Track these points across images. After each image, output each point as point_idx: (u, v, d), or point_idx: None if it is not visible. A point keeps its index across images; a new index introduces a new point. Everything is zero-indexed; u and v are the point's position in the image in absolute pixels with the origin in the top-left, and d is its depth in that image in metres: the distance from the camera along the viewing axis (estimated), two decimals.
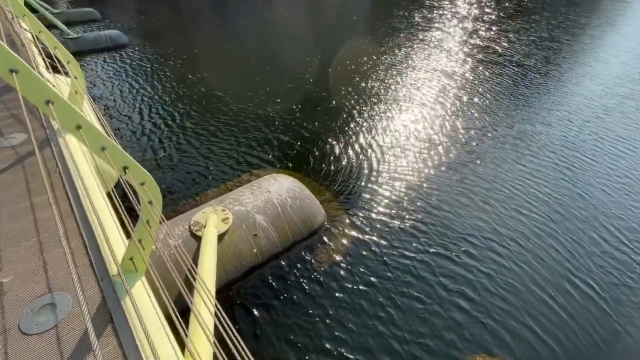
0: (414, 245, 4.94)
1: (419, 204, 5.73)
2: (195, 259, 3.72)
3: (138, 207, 2.14)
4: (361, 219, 5.34)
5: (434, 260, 4.74)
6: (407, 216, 5.45)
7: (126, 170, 2.13)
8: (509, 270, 4.70)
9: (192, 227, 4.16)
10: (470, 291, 4.36)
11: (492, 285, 4.47)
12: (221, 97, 9.02)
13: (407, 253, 4.79)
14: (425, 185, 6.20)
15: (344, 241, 4.91)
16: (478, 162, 6.97)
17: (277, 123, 7.94)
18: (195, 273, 1.91)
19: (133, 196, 2.11)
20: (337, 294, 4.19)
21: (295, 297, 4.13)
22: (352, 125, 8.08)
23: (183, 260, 1.96)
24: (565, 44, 15.41)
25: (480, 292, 4.37)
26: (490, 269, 4.69)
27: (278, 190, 4.93)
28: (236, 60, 12.08)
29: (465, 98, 9.72)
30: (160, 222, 2.26)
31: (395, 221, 5.33)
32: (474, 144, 7.60)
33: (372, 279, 4.41)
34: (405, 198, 5.84)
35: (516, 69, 12.02)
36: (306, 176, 6.24)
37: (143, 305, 2.21)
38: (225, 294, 4.06)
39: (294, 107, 8.71)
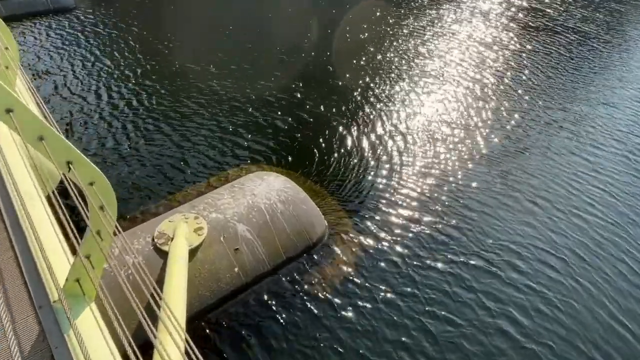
0: (442, 259, 4.92)
1: (450, 205, 5.74)
2: (161, 280, 3.71)
3: (86, 213, 2.13)
4: (372, 228, 5.33)
5: (470, 275, 4.74)
6: (434, 222, 5.44)
7: (70, 166, 2.12)
8: (566, 287, 4.70)
9: (156, 240, 4.15)
10: (517, 313, 4.37)
11: (546, 305, 4.47)
12: (198, 72, 9.03)
13: (433, 271, 4.78)
14: (458, 182, 6.21)
15: (350, 257, 4.90)
16: (526, 153, 6.98)
17: (268, 106, 7.94)
18: (160, 299, 1.90)
19: (80, 200, 2.10)
20: (340, 326, 4.17)
21: (287, 329, 4.11)
22: (363, 109, 8.07)
23: (144, 282, 1.96)
24: (631, 4, 15.39)
25: (530, 314, 4.37)
26: (543, 285, 4.69)
27: (266, 192, 4.92)
28: (218, 25, 12.08)
29: (509, 74, 9.72)
30: (115, 234, 2.25)
31: (418, 230, 5.32)
32: (521, 130, 7.60)
33: (386, 306, 4.39)
34: (432, 199, 5.84)
35: (571, 37, 11.99)
36: (303, 175, 6.24)
37: (92, 339, 2.21)
38: (198, 325, 4.05)
39: (291, 85, 8.72)
